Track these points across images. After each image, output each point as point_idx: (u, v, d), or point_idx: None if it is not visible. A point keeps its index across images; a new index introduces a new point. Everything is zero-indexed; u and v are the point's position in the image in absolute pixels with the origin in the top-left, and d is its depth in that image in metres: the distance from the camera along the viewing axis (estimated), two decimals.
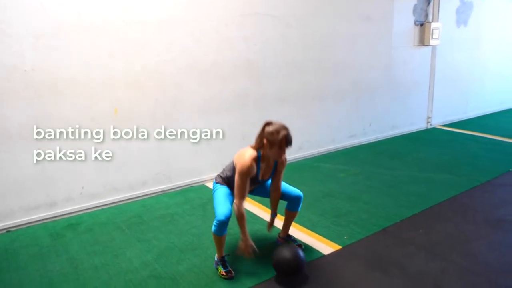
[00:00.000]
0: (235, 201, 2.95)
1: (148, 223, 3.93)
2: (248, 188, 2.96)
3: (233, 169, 3.03)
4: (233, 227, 3.32)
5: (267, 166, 3.07)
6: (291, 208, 3.31)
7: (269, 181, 3.25)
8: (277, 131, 2.85)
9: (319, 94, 5.90)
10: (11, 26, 3.61)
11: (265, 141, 2.89)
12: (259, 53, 5.12)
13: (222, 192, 3.09)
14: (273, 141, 2.86)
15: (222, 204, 2.98)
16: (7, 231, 3.84)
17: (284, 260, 2.91)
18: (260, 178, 3.08)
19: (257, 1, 4.98)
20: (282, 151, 2.92)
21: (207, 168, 4.94)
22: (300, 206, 3.32)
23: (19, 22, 3.64)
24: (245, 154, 2.93)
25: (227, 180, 3.13)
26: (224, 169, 3.21)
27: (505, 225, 3.77)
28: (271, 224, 3.41)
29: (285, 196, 3.27)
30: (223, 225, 2.92)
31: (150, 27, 4.30)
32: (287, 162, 3.23)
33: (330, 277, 3.05)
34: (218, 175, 3.22)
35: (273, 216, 3.38)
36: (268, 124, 2.92)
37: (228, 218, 2.92)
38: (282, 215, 3.42)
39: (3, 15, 3.57)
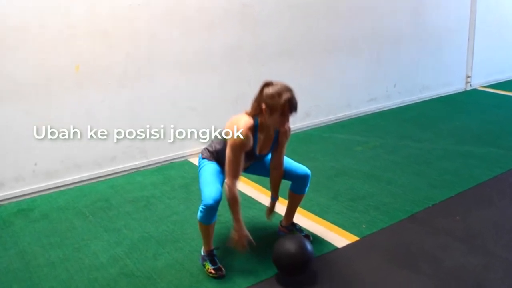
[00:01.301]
0: (226, 180, 2.95)
1: (117, 209, 3.99)
2: (242, 164, 2.96)
3: (224, 140, 3.02)
4: (223, 213, 3.33)
5: (266, 138, 3.07)
6: (296, 190, 3.33)
7: (269, 156, 3.26)
8: (278, 94, 2.84)
9: (330, 45, 5.99)
10: None
11: (263, 105, 2.88)
12: None
13: (210, 169, 3.09)
14: (274, 106, 2.84)
15: (210, 184, 2.99)
16: None
17: (288, 255, 2.91)
18: (257, 152, 3.09)
19: None
20: (284, 118, 2.91)
21: (191, 141, 4.92)
22: (307, 188, 3.34)
23: None
24: (239, 122, 2.92)
25: (216, 155, 3.14)
26: (212, 141, 3.22)
27: None
28: (271, 210, 3.43)
29: (288, 174, 3.28)
30: (211, 210, 2.92)
31: None
32: (291, 132, 3.23)
33: (345, 274, 3.07)
34: (205, 148, 3.23)
35: (274, 200, 3.40)
36: (267, 84, 2.90)
37: (217, 202, 2.91)
38: (285, 198, 3.43)
39: None
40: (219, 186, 2.99)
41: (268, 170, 3.31)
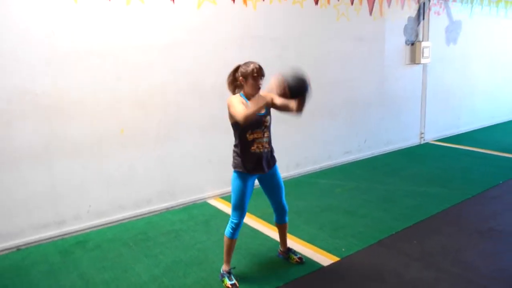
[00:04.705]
0: (239, 118, 2.88)
1: (154, 239, 4.08)
2: (242, 106, 2.94)
3: (234, 130, 3.17)
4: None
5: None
6: (279, 220, 3.48)
7: (277, 177, 3.33)
8: (247, 65, 3.08)
9: (315, 111, 6.05)
10: (24, 52, 3.83)
11: (240, 79, 3.10)
12: None
13: (240, 188, 3.16)
14: (246, 74, 3.05)
15: (240, 207, 3.15)
16: (18, 249, 3.99)
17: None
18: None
19: (256, 24, 5.24)
20: (257, 82, 3.06)
21: (208, 185, 5.12)
22: (287, 217, 3.48)
23: (31, 49, 3.86)
24: (230, 98, 3.08)
25: (240, 155, 3.15)
26: (233, 152, 3.25)
27: (495, 234, 3.96)
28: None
29: (275, 205, 3.40)
30: (238, 227, 3.15)
31: (153, 50, 4.53)
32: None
33: (328, 287, 3.20)
34: (232, 161, 3.25)
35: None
36: (238, 65, 3.14)
37: (243, 219, 3.16)
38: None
39: (15, 43, 3.79)
40: (246, 206, 3.17)
41: (274, 190, 3.33)
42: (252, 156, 3.13)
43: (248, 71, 3.05)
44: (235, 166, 3.22)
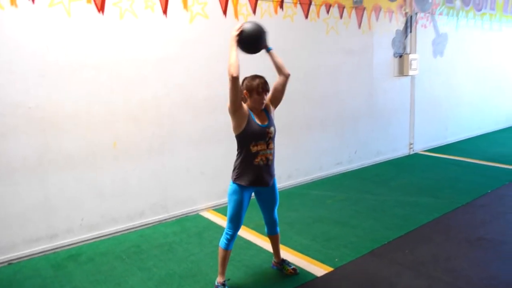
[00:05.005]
0: (230, 72, 2.91)
1: (147, 252, 4.07)
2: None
3: (238, 142, 3.15)
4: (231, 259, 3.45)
5: (259, 115, 3.16)
6: (270, 232, 3.51)
7: (275, 192, 3.36)
8: (252, 79, 3.10)
9: (306, 123, 6.16)
10: (17, 65, 3.85)
11: (245, 92, 3.10)
12: None
13: (237, 202, 3.16)
14: (251, 88, 3.07)
15: (235, 218, 3.17)
16: (9, 264, 3.96)
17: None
18: (259, 123, 3.13)
19: None
20: (261, 97, 3.09)
21: (201, 198, 5.14)
22: (278, 228, 3.50)
23: (24, 62, 3.88)
24: None
25: (240, 167, 3.15)
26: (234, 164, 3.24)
27: (484, 243, 4.03)
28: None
29: (266, 216, 3.43)
30: (232, 239, 3.17)
31: (147, 64, 4.57)
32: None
33: None
34: (232, 173, 3.23)
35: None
36: (244, 78, 3.15)
37: (238, 231, 3.20)
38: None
39: (9, 56, 3.81)
40: (242, 219, 3.18)
41: (269, 204, 3.37)
42: (255, 169, 3.12)
43: (253, 86, 3.07)
44: (235, 178, 3.18)
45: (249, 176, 3.13)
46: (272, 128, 3.18)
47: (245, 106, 3.11)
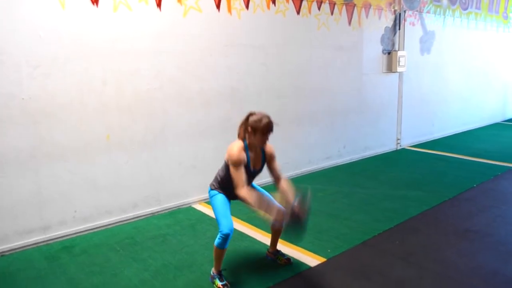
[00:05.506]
0: (237, 191, 2.99)
1: (141, 244, 4.09)
2: (244, 175, 3.04)
3: (226, 166, 3.17)
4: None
5: (255, 155, 3.22)
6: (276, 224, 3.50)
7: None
8: (260, 119, 3.07)
9: (296, 117, 6.22)
10: (11, 56, 3.81)
11: (249, 129, 3.08)
12: (241, 81, 5.44)
13: (220, 201, 3.20)
14: (257, 128, 3.05)
15: (225, 217, 3.12)
16: (2, 255, 3.94)
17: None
18: (252, 168, 3.20)
19: (239, 33, 5.33)
20: (265, 137, 3.09)
21: (194, 190, 5.16)
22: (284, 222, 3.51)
23: (18, 53, 3.85)
24: (233, 147, 3.09)
25: (221, 183, 3.24)
26: (217, 173, 3.32)
27: (471, 234, 4.14)
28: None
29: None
30: (227, 238, 3.08)
31: (140, 57, 4.56)
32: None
33: (317, 285, 3.29)
34: (212, 181, 3.34)
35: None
36: (251, 114, 3.14)
37: (232, 231, 3.09)
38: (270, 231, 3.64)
39: (2, 46, 3.76)
40: (230, 217, 3.14)
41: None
42: (233, 192, 3.13)
43: (259, 127, 3.06)
44: (214, 188, 3.27)
45: (228, 194, 3.22)
46: (261, 170, 3.27)
47: (242, 146, 3.11)
